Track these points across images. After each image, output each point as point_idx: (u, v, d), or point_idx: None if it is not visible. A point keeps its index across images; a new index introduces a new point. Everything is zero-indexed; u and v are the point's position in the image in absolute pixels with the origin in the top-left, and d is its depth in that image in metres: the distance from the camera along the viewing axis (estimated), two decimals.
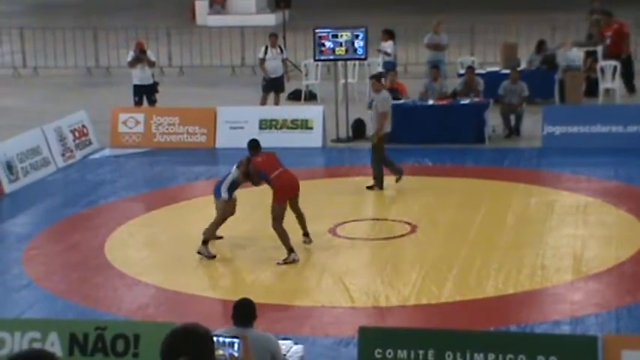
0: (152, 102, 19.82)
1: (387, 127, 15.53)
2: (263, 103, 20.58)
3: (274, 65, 20.47)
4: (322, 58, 19.02)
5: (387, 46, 21.81)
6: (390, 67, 21.22)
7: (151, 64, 19.94)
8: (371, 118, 15.53)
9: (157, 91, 19.92)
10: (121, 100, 20.38)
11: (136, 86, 19.88)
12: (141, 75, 19.81)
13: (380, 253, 12.59)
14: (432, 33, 22.19)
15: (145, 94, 19.83)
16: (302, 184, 13.47)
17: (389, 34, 21.97)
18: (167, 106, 19.76)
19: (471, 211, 14.16)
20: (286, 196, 12.56)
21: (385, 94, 15.79)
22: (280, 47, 21.14)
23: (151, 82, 19.89)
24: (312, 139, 18.46)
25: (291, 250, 12.34)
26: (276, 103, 20.62)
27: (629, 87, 21.79)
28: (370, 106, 15.66)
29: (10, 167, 16.23)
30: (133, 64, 19.87)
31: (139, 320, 10.40)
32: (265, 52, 20.60)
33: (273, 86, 20.58)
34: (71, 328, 9.05)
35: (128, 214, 14.66)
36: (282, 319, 10.50)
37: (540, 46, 21.69)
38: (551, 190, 15.17)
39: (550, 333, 9.83)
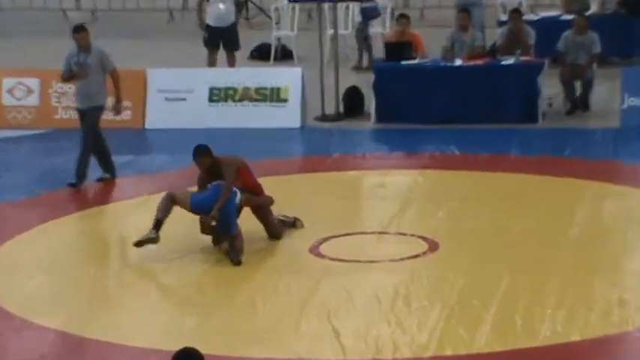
0: None
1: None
2: (211, 64, 20.57)
3: (221, 11, 20.39)
4: None
5: None
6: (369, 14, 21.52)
7: None
8: (86, 88, 15.90)
9: None
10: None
11: None
12: None
13: (384, 282, 12.61)
14: None
15: None
16: (272, 180, 13.47)
17: None
18: None
19: (516, 221, 14.21)
20: None
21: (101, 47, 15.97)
22: None
23: None
24: (287, 115, 18.51)
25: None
26: (231, 65, 20.61)
27: None
28: None
29: None
30: None
31: None
32: None
33: (218, 40, 20.52)
34: None
35: (16, 224, 14.65)
36: None
37: None
38: (632, 190, 15.25)
39: None
